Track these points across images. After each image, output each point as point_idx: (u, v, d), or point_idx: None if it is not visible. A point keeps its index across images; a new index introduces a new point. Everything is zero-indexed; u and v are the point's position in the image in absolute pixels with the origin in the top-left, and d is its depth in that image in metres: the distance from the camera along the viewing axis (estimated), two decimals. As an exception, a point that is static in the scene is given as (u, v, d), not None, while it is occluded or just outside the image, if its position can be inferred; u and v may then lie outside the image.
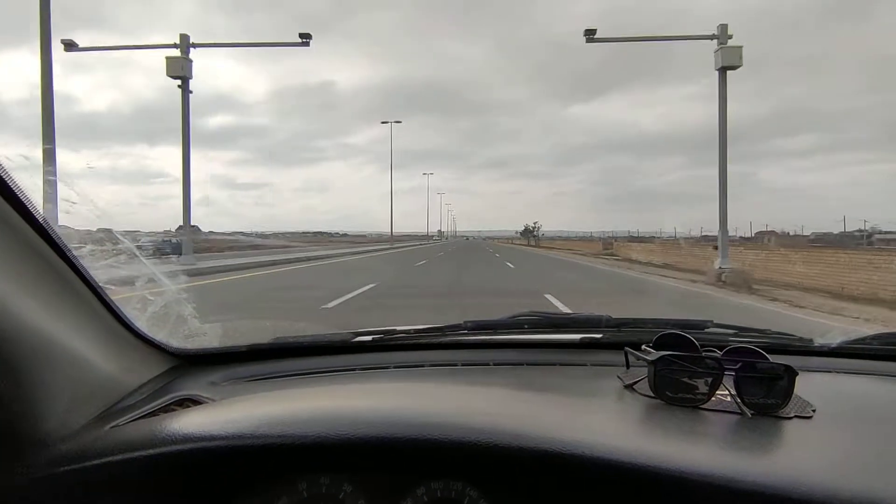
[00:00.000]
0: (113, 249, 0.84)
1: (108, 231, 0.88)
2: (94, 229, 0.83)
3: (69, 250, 0.73)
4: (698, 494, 0.57)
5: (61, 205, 0.75)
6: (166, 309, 0.99)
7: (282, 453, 0.65)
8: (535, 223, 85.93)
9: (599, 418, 0.75)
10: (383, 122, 60.59)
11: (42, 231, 0.69)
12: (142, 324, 0.90)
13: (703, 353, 0.80)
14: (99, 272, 0.80)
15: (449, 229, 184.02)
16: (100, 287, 0.79)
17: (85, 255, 0.78)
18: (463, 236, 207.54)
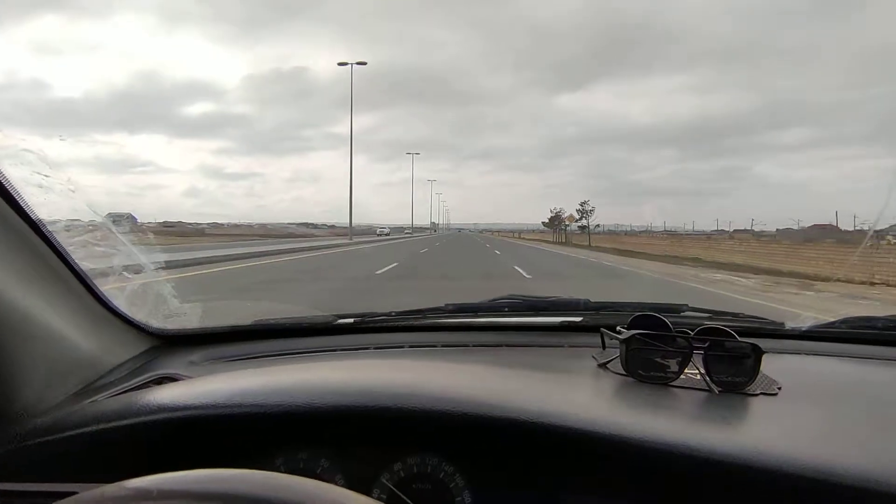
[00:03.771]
0: (89, 225, 0.85)
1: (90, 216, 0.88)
2: (71, 207, 0.83)
3: (45, 226, 0.73)
4: (661, 462, 0.59)
5: (34, 178, 0.75)
6: (145, 288, 0.99)
7: (255, 423, 0.66)
8: (583, 204, 45.70)
9: (572, 394, 0.77)
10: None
11: (17, 207, 0.69)
12: (121, 303, 0.90)
13: (674, 333, 0.82)
14: (75, 249, 0.80)
15: (442, 221, 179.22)
16: (77, 265, 0.79)
17: (60, 232, 0.78)
18: (456, 229, 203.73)
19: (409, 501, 0.65)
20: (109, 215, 0.89)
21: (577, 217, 46.91)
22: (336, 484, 0.66)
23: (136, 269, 0.97)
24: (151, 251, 0.99)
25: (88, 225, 0.85)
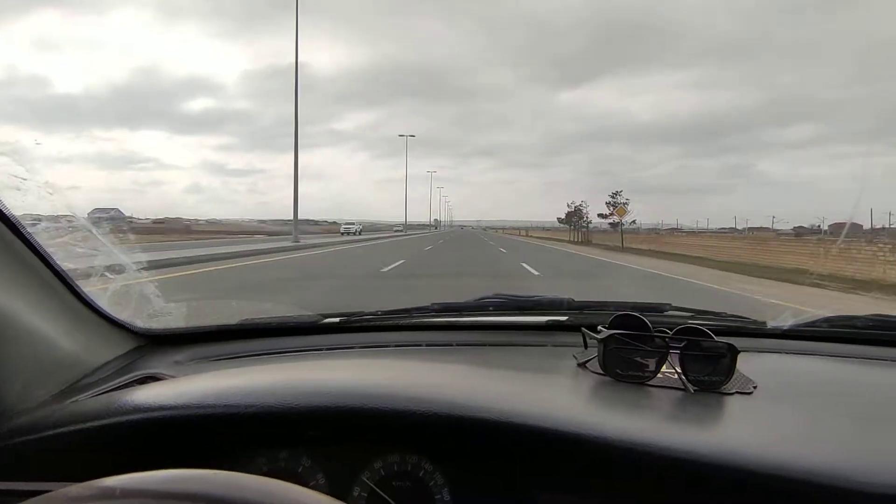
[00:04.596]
0: (69, 227, 0.85)
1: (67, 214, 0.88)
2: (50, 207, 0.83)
3: (24, 228, 0.73)
4: (633, 461, 0.59)
5: (10, 181, 0.75)
6: (128, 288, 0.99)
7: (230, 423, 0.66)
8: (615, 195, 35.27)
9: (548, 392, 0.77)
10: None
11: None
12: (104, 303, 0.91)
13: (652, 333, 0.82)
14: (55, 250, 0.80)
15: (445, 218, 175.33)
16: (58, 266, 0.80)
17: (40, 233, 0.78)
18: (458, 226, 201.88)
19: (389, 500, 0.66)
20: (95, 210, 0.90)
21: (609, 212, 35.09)
22: (317, 482, 0.67)
23: (118, 270, 0.97)
24: (131, 250, 1.00)
25: (68, 226, 0.85)
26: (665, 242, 26.23)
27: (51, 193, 0.81)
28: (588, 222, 43.39)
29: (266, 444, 0.68)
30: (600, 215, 37.99)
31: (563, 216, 49.74)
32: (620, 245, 28.92)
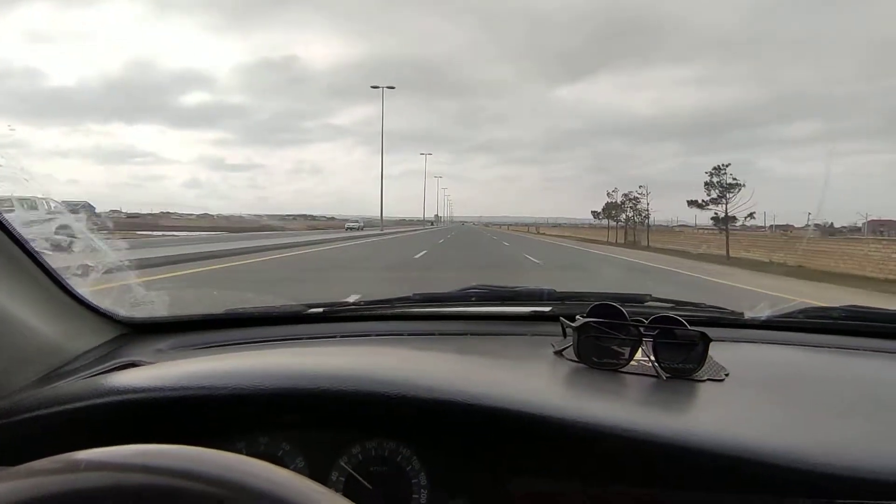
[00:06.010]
0: (46, 215, 0.86)
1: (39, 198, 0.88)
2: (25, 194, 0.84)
3: (2, 216, 0.74)
4: (600, 444, 0.61)
5: None
6: (108, 277, 1.00)
7: (207, 405, 0.67)
8: (716, 172, 19.63)
9: (523, 379, 0.79)
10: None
11: None
12: (85, 291, 0.91)
13: (627, 322, 0.84)
14: (34, 238, 0.81)
15: (446, 214, 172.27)
16: (38, 254, 0.80)
17: (18, 221, 0.79)
18: (459, 222, 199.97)
19: (366, 484, 0.67)
20: (65, 204, 0.90)
21: (710, 197, 20.20)
22: (296, 466, 0.68)
23: (98, 259, 0.98)
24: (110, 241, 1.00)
25: (47, 214, 0.86)
26: (813, 251, 14.71)
27: (27, 180, 0.82)
28: (647, 216, 29.55)
29: (245, 427, 0.69)
30: (693, 203, 21.53)
31: (599, 211, 36.74)
32: (726, 254, 17.76)
